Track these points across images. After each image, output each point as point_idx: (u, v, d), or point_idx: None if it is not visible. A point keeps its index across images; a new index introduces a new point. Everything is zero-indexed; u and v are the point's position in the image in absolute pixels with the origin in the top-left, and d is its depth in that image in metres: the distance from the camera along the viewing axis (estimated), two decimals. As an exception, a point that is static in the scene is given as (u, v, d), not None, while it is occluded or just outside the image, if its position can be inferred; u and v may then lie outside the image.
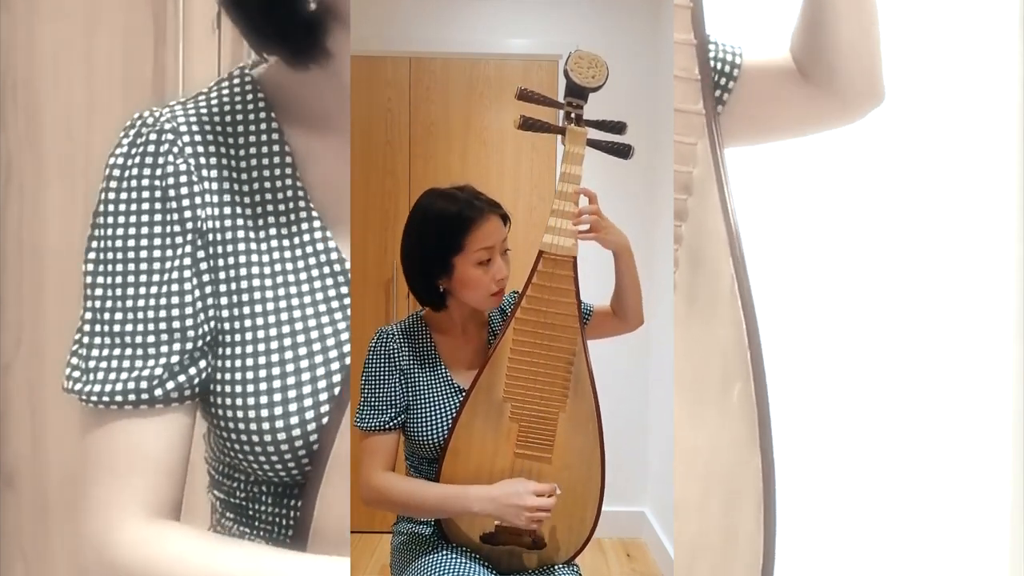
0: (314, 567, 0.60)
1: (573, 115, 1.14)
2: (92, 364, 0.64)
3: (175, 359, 0.64)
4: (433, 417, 1.22)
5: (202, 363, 0.65)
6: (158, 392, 0.63)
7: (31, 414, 1.46)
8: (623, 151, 1.17)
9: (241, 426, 0.65)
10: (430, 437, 1.21)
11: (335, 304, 0.69)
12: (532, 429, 1.18)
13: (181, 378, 0.64)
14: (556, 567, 1.25)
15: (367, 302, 2.84)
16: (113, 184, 0.65)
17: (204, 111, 0.70)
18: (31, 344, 1.47)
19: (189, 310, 0.65)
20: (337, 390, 0.66)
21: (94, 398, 0.63)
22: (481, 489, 1.15)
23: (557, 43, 2.82)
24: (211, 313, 0.66)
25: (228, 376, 0.66)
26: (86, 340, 0.65)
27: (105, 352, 0.64)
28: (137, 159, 0.66)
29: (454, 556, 1.20)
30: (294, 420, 0.65)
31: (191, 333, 0.64)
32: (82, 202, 1.46)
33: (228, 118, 0.70)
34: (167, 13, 1.45)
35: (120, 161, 0.66)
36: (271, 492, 0.70)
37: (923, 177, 1.55)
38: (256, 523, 0.73)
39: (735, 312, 0.62)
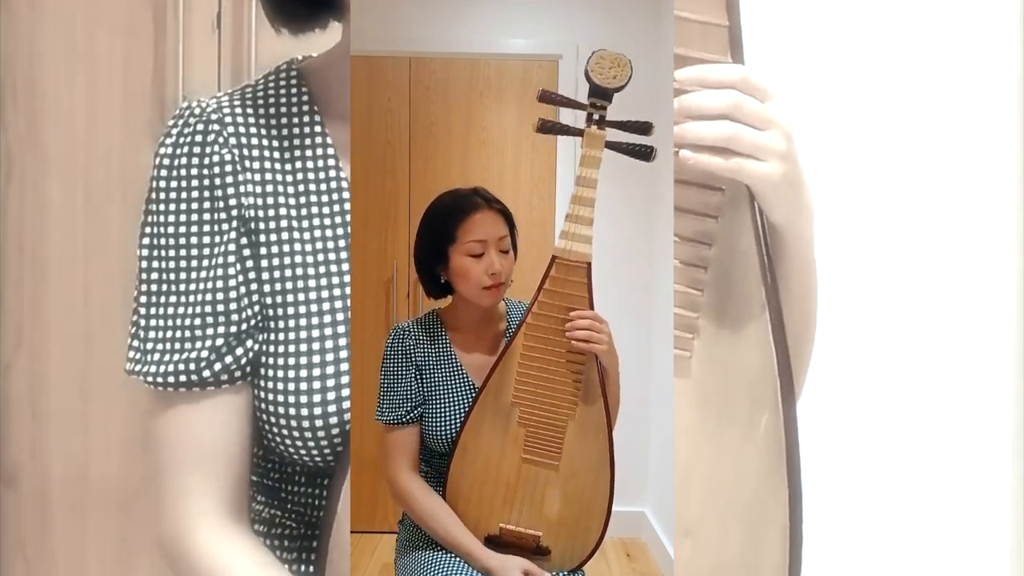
0: None
1: (596, 116, 1.11)
2: (149, 346, 0.67)
3: (220, 341, 0.66)
4: (447, 412, 1.25)
5: (248, 343, 0.67)
6: (206, 373, 0.66)
7: (31, 414, 1.46)
8: (645, 153, 1.13)
9: (281, 410, 0.67)
10: (443, 431, 1.24)
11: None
12: (540, 435, 1.18)
13: (228, 359, 0.66)
14: (561, 574, 1.24)
15: (367, 302, 2.84)
16: (163, 173, 0.68)
17: (250, 102, 0.72)
18: (31, 344, 1.46)
19: (233, 294, 0.67)
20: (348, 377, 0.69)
21: (150, 379, 0.66)
22: (484, 553, 1.18)
23: (557, 43, 2.82)
24: (255, 298, 0.68)
25: (270, 360, 0.68)
26: (143, 323, 0.68)
27: (160, 334, 0.67)
28: (185, 149, 0.68)
29: (459, 558, 1.20)
30: (327, 405, 0.67)
31: (235, 316, 0.67)
32: (82, 202, 1.46)
33: (273, 110, 0.72)
34: (167, 13, 1.45)
35: (169, 151, 0.69)
36: (304, 473, 0.73)
37: (923, 178, 1.54)
38: (288, 505, 0.75)
39: (765, 338, 0.61)
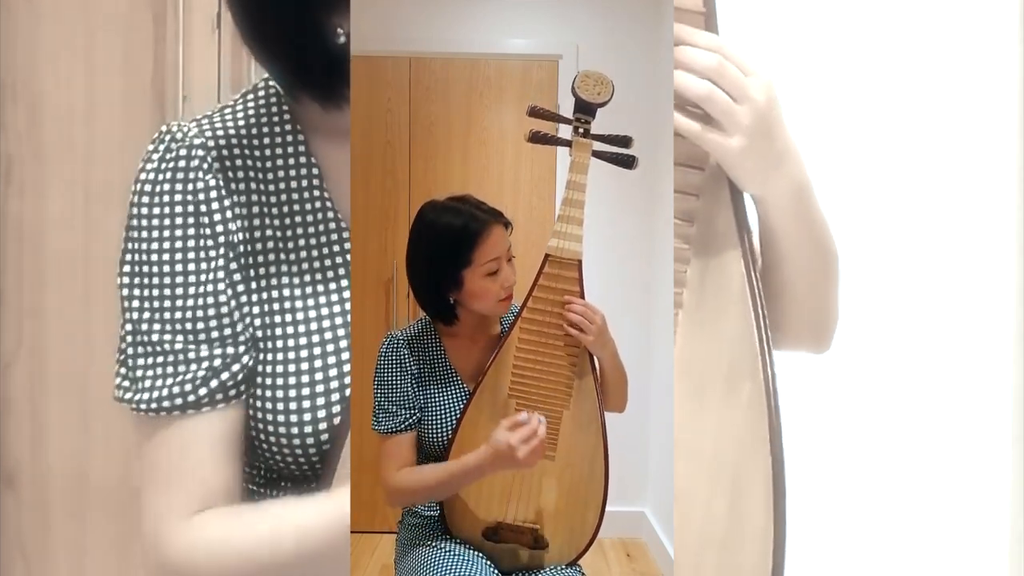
0: (316, 504, 0.63)
1: (581, 130, 1.19)
2: (138, 374, 0.66)
3: (217, 362, 0.65)
4: (443, 420, 1.24)
5: (244, 359, 0.67)
6: (202, 392, 0.65)
7: (31, 414, 1.46)
8: (627, 161, 1.21)
9: (271, 428, 0.67)
10: (438, 437, 1.24)
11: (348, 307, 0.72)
12: (536, 427, 1.19)
13: (224, 376, 0.66)
14: (559, 568, 1.25)
15: (367, 302, 2.84)
16: (145, 200, 0.67)
17: (231, 125, 0.70)
18: (31, 344, 1.46)
19: (226, 320, 0.66)
20: (348, 391, 0.69)
21: (143, 406, 0.65)
22: (474, 453, 1.13)
23: (557, 43, 2.83)
24: (247, 320, 0.68)
25: (257, 379, 0.68)
26: (129, 351, 0.67)
27: (148, 361, 0.66)
28: (168, 175, 0.67)
29: (456, 550, 1.21)
30: (318, 423, 0.67)
31: (229, 340, 0.66)
32: (82, 202, 1.46)
33: (255, 130, 0.71)
34: (167, 13, 1.45)
35: (151, 177, 0.67)
36: (291, 478, 0.73)
37: (923, 177, 1.55)
38: None
39: (746, 312, 0.62)
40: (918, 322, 1.55)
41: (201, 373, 0.65)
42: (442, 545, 1.23)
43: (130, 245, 0.67)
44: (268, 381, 0.67)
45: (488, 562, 1.22)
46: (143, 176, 0.67)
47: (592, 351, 1.20)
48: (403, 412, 1.22)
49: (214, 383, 0.65)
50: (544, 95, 2.82)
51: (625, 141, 1.20)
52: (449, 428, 1.24)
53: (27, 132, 1.46)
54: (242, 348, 0.67)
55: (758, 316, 0.62)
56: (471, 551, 1.23)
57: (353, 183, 2.78)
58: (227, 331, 0.66)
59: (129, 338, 0.67)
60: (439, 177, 2.84)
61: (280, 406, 0.67)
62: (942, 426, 1.53)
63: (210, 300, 0.66)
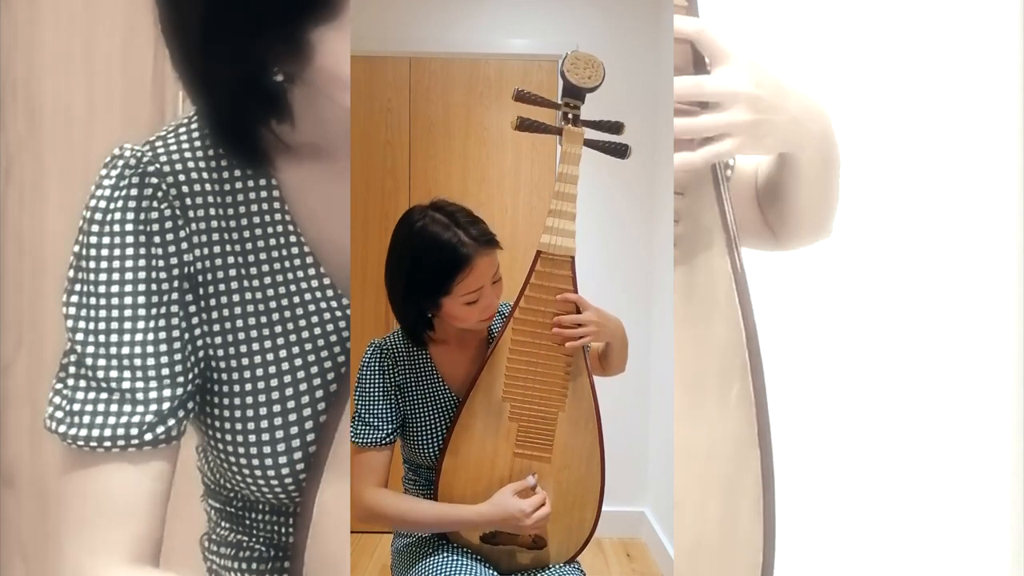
0: None
1: (571, 116, 1.13)
2: (76, 407, 0.62)
3: (166, 405, 0.63)
4: (430, 429, 1.22)
5: (189, 404, 0.64)
6: (148, 436, 0.62)
7: (31, 414, 1.46)
8: (620, 150, 1.17)
9: (243, 461, 0.65)
10: (427, 447, 1.22)
11: (333, 338, 0.68)
12: (531, 429, 1.18)
13: (170, 421, 0.63)
14: (558, 566, 1.25)
15: (367, 302, 2.84)
16: (95, 228, 0.63)
17: (187, 147, 0.66)
18: (31, 344, 1.47)
19: (178, 356, 0.63)
20: (323, 418, 0.66)
21: (80, 442, 0.61)
22: (474, 509, 1.17)
23: (557, 43, 2.82)
24: (201, 355, 0.65)
25: (227, 413, 0.65)
26: (70, 383, 0.63)
27: (91, 396, 0.62)
28: (120, 203, 0.63)
29: (455, 558, 1.20)
30: (291, 452, 0.65)
31: (180, 379, 0.63)
32: (82, 202, 1.46)
33: (211, 151, 0.67)
34: (167, 13, 1.45)
35: (103, 205, 0.63)
36: (269, 503, 0.71)
37: (923, 177, 1.55)
38: (254, 531, 0.73)
39: (733, 311, 0.62)
40: (913, 320, 1.54)
41: (149, 417, 0.62)
42: (441, 553, 1.22)
43: (79, 275, 0.63)
44: (237, 414, 0.65)
45: (487, 566, 1.22)
46: (93, 203, 0.64)
47: (599, 341, 1.20)
48: (383, 427, 1.19)
49: (160, 428, 0.62)
50: (544, 95, 2.82)
51: (616, 127, 1.14)
52: (438, 437, 1.21)
53: (27, 132, 1.46)
54: (191, 388, 0.64)
55: (746, 315, 0.62)
56: (470, 556, 1.22)
57: (353, 183, 2.78)
58: (177, 368, 0.63)
59: (72, 369, 0.63)
60: (439, 177, 2.84)
61: (252, 438, 0.64)
62: (937, 423, 1.53)
63: (161, 336, 0.63)
